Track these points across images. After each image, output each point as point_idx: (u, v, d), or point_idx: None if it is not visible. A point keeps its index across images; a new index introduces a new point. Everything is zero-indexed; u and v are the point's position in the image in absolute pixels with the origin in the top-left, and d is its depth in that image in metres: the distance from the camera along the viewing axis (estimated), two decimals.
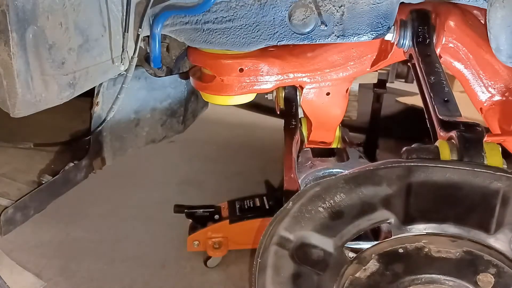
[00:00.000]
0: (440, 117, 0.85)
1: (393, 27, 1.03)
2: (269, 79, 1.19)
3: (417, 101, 2.37)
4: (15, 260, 1.44)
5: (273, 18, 0.99)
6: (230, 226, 1.51)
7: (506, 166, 0.77)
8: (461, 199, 0.75)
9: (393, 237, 0.77)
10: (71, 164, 1.21)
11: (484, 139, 0.78)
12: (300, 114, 1.34)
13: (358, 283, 0.77)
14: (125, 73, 1.04)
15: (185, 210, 1.55)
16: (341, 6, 0.96)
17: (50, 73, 0.86)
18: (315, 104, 1.29)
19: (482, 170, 0.73)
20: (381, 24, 0.97)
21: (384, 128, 2.26)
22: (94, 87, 1.17)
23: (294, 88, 1.33)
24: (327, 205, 0.78)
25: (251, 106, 2.49)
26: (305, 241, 0.78)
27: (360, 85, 2.39)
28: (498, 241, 0.74)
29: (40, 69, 0.84)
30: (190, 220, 1.57)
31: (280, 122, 1.31)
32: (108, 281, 1.47)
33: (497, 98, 1.10)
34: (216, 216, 1.53)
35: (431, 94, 0.90)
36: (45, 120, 1.22)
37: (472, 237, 0.75)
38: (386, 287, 0.76)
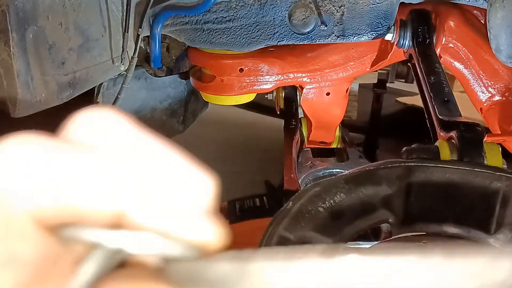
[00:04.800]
0: (440, 117, 0.85)
1: (393, 27, 1.03)
2: (269, 79, 1.19)
3: (417, 101, 2.37)
4: None
5: (273, 18, 0.99)
6: (230, 226, 1.51)
7: (506, 166, 0.76)
8: (461, 199, 0.75)
9: (393, 237, 0.77)
10: None
11: (484, 139, 0.78)
12: (300, 114, 1.34)
13: None
14: (125, 73, 1.03)
15: None
16: (341, 6, 0.96)
17: (50, 73, 0.86)
18: (315, 104, 1.29)
19: (482, 170, 0.73)
20: (381, 24, 0.97)
21: (384, 128, 2.26)
22: (94, 87, 1.17)
23: (294, 88, 1.33)
24: (327, 205, 0.78)
25: (251, 106, 2.49)
26: (305, 241, 0.78)
27: (360, 85, 2.39)
28: (498, 241, 0.74)
29: (40, 69, 0.84)
30: None
31: (280, 122, 1.31)
32: None
33: (497, 98, 1.10)
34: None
35: (431, 94, 0.90)
36: (45, 120, 1.22)
37: (472, 237, 0.75)
38: None
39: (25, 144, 0.23)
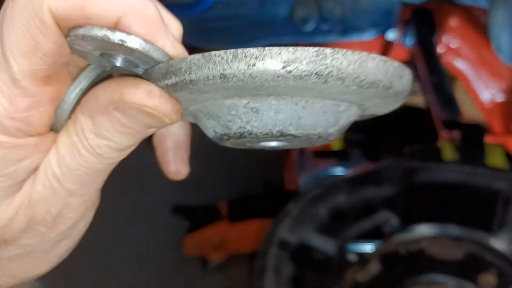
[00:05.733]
0: (442, 117, 0.84)
1: (395, 26, 1.03)
2: None
3: (418, 101, 2.37)
4: None
5: (274, 16, 0.99)
6: (230, 227, 1.50)
7: (508, 167, 0.76)
8: (462, 200, 0.75)
9: (394, 238, 0.77)
10: None
11: (486, 140, 0.78)
12: None
13: (360, 285, 0.77)
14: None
15: (184, 211, 1.54)
16: (343, 3, 0.96)
17: None
18: None
19: (484, 171, 0.73)
20: (383, 23, 0.97)
21: (386, 129, 2.25)
22: None
23: None
24: (328, 206, 0.78)
25: None
26: (305, 243, 0.78)
27: None
28: (499, 242, 0.74)
29: None
30: (189, 221, 1.56)
31: None
32: (107, 282, 1.46)
33: (499, 98, 1.10)
34: (216, 217, 1.53)
35: (433, 94, 0.90)
36: None
37: (473, 238, 0.75)
38: None
39: None
